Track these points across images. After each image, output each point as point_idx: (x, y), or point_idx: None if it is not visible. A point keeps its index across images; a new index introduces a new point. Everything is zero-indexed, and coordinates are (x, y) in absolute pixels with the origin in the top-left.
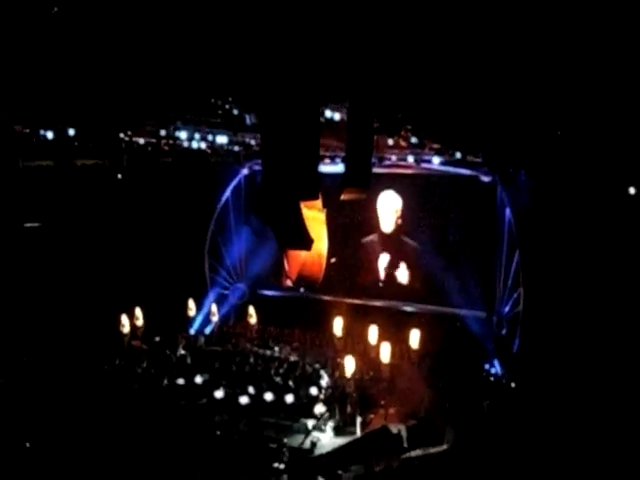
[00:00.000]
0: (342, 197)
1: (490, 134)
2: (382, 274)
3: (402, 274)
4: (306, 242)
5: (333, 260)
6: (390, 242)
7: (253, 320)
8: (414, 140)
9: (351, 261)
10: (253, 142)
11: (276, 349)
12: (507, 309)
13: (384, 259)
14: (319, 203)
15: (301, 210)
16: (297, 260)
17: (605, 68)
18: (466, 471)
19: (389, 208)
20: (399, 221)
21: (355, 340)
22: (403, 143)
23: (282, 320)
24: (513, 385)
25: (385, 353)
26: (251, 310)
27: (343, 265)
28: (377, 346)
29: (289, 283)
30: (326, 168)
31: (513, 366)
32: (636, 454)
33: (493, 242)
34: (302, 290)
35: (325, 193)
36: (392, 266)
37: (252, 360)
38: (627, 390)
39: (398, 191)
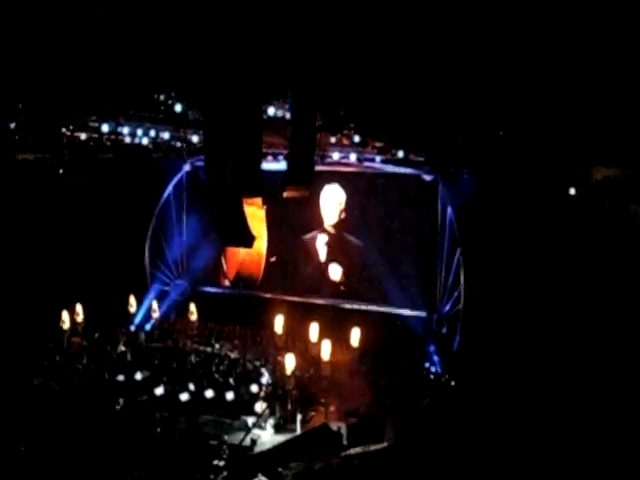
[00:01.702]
0: (285, 194)
1: (432, 133)
2: (323, 272)
3: (344, 272)
4: (248, 239)
5: (273, 259)
6: (332, 239)
7: (194, 317)
8: (357, 138)
9: (292, 258)
10: (196, 138)
11: (217, 346)
12: (447, 308)
13: (326, 256)
14: (259, 200)
15: (243, 207)
16: (235, 259)
17: (545, 69)
18: (406, 469)
19: (332, 200)
20: (342, 215)
21: (296, 338)
22: (346, 141)
23: (223, 317)
24: (453, 383)
25: (326, 351)
26: (192, 307)
27: (284, 262)
28: (318, 344)
29: (227, 283)
30: (268, 165)
31: (453, 364)
32: (568, 449)
33: (434, 241)
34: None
35: (267, 190)
36: (334, 264)
37: (193, 357)
38: (564, 387)
39: (342, 186)
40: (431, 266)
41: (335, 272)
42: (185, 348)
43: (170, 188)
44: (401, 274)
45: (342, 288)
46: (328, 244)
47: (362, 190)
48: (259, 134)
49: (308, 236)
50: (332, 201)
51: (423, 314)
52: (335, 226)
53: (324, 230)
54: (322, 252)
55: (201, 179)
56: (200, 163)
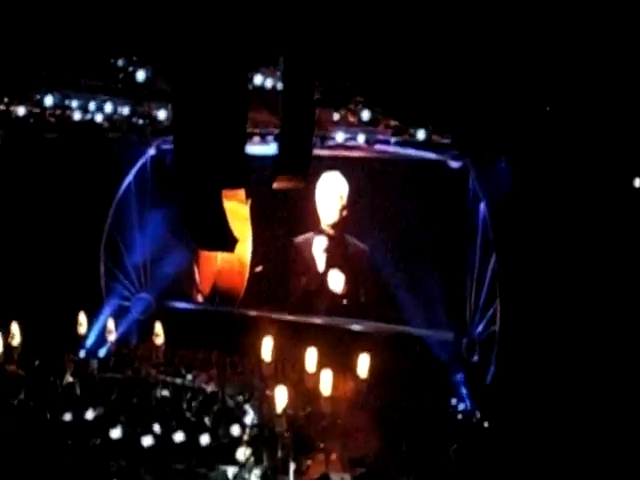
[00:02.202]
0: (274, 185)
1: (461, 108)
2: (321, 283)
3: (346, 284)
4: (228, 242)
5: (259, 268)
6: (332, 242)
7: (160, 340)
8: (366, 115)
9: (283, 267)
10: (163, 114)
11: (189, 377)
12: (480, 329)
13: (324, 264)
14: (242, 193)
15: (223, 202)
16: (211, 267)
17: (607, 33)
18: None
19: (332, 193)
20: (344, 212)
21: (288, 366)
22: (352, 119)
23: (197, 340)
24: (486, 425)
25: (326, 383)
26: (158, 327)
27: (272, 272)
28: (316, 374)
29: (200, 298)
30: (254, 149)
31: (486, 401)
32: None
33: (463, 245)
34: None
35: (252, 180)
36: (334, 273)
37: (158, 391)
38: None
39: (345, 174)
40: (459, 276)
41: (336, 284)
42: (149, 379)
43: (130, 178)
44: (420, 286)
45: (345, 302)
46: (327, 249)
47: (370, 180)
48: (243, 109)
49: (301, 239)
50: (331, 194)
51: (449, 336)
52: (335, 226)
53: (321, 231)
54: (319, 259)
55: (169, 166)
56: (168, 146)
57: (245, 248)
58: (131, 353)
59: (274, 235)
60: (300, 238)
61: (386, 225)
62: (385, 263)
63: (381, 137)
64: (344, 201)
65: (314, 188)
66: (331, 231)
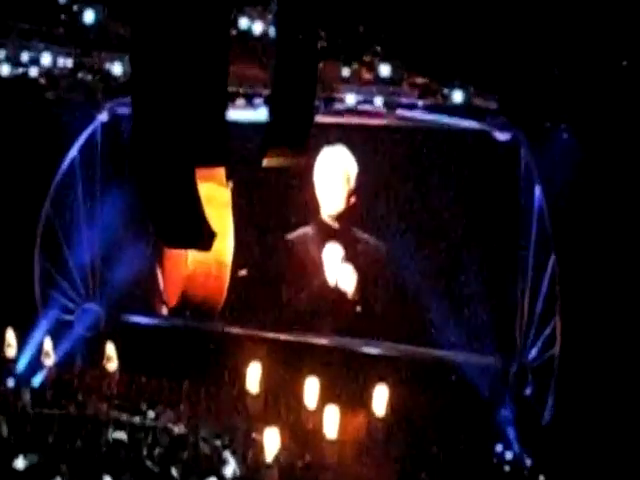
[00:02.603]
0: (264, 163)
1: (511, 61)
2: (324, 292)
3: (357, 293)
4: (203, 237)
5: (243, 272)
6: (336, 239)
7: (113, 365)
8: (385, 70)
9: (273, 271)
10: (118, 69)
11: (150, 414)
12: (534, 353)
13: (327, 267)
14: (222, 172)
15: (196, 184)
16: (179, 271)
17: None
18: None
19: (336, 174)
20: (352, 199)
21: (282, 401)
22: (367, 75)
23: (162, 366)
24: (542, 479)
25: (331, 423)
26: (110, 348)
27: (260, 277)
28: (318, 411)
29: (165, 310)
30: (238, 114)
31: (542, 447)
32: None
33: (512, 243)
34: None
35: (235, 156)
36: (340, 279)
37: (111, 432)
38: None
39: (353, 149)
40: (507, 283)
41: (342, 293)
42: (98, 417)
43: (75, 152)
44: (456, 295)
45: (354, 317)
46: (329, 248)
47: (388, 157)
48: (224, 62)
49: (296, 234)
50: (335, 175)
51: (493, 362)
52: (339, 217)
53: (321, 224)
54: (320, 260)
55: (126, 136)
56: (124, 110)
57: (225, 245)
58: (75, 382)
59: (263, 229)
60: (295, 233)
61: (408, 216)
62: (406, 265)
63: (405, 100)
64: (352, 184)
65: (313, 167)
66: (335, 224)
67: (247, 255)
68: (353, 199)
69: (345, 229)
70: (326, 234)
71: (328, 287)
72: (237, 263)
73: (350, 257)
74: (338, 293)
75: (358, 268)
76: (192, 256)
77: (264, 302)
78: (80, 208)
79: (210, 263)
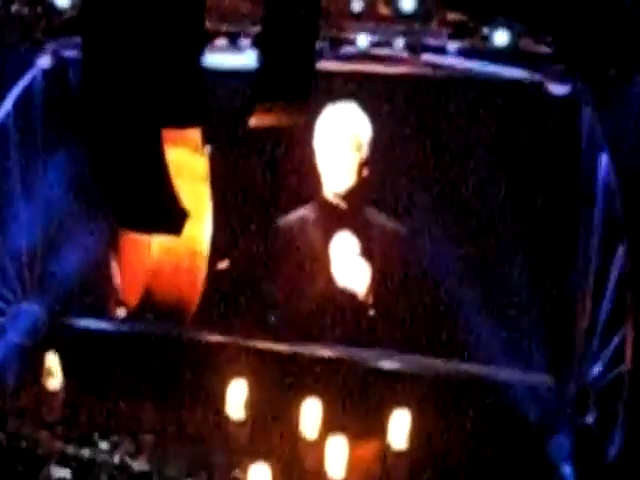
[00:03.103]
0: (252, 121)
1: None
2: (327, 290)
3: (371, 291)
4: (172, 218)
5: (223, 265)
6: (344, 222)
7: (55, 382)
8: (408, 4)
9: (263, 263)
10: (63, 1)
11: (104, 446)
12: (598, 370)
13: (331, 259)
14: (196, 134)
15: (164, 149)
16: (140, 263)
17: None
18: None
19: (344, 140)
20: (364, 172)
21: (273, 429)
22: (384, 10)
23: (118, 384)
24: None
25: (336, 458)
26: (52, 361)
27: (245, 271)
28: (319, 443)
29: (123, 312)
30: (219, 59)
31: None
32: None
33: (570, 227)
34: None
35: (214, 114)
36: (348, 274)
37: (53, 468)
38: None
39: (366, 107)
40: (562, 280)
41: (351, 291)
42: (36, 450)
43: (8, 107)
44: (496, 294)
45: (370, 325)
46: (334, 233)
47: (410, 116)
48: None
49: (291, 218)
50: (342, 140)
51: (545, 382)
52: (348, 195)
53: (324, 204)
54: (324, 251)
55: (74, 87)
56: (72, 53)
57: (200, 230)
58: (6, 404)
59: (249, 209)
60: (290, 217)
61: (435, 193)
62: (433, 256)
63: (433, 42)
64: (364, 152)
65: (313, 130)
66: (342, 203)
67: (229, 242)
68: (365, 172)
69: (355, 210)
70: (330, 218)
71: (334, 287)
72: (216, 253)
73: (362, 246)
74: (347, 294)
75: (372, 260)
76: (157, 243)
77: (250, 302)
78: (14, 180)
79: (181, 253)
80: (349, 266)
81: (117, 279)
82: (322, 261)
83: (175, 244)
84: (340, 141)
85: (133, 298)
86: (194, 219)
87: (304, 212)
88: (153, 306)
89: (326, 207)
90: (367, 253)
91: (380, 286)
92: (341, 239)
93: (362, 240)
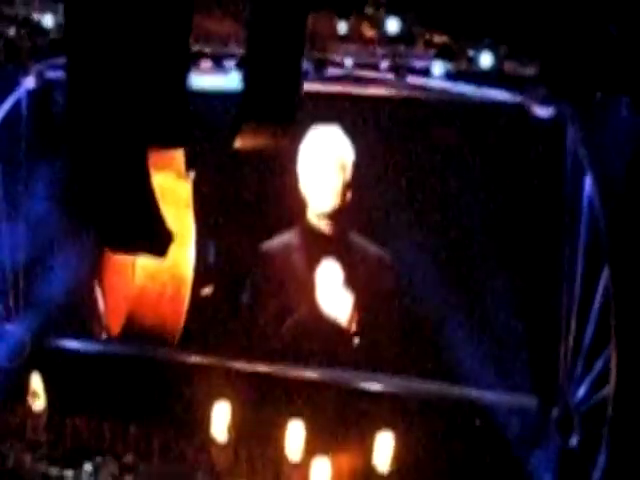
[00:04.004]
0: (236, 143)
1: (554, 17)
2: (312, 316)
3: (356, 316)
4: (159, 238)
5: (207, 290)
6: (328, 247)
7: (39, 403)
8: (393, 25)
9: (247, 290)
10: (49, 20)
11: (88, 468)
12: (582, 392)
13: (316, 284)
14: (180, 158)
15: (149, 171)
16: (124, 288)
17: None
18: None
19: (328, 161)
20: (348, 195)
21: (257, 452)
22: (369, 32)
23: (102, 405)
24: None
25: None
26: (35, 382)
27: (230, 299)
28: (303, 466)
29: (103, 334)
30: (204, 81)
31: None
32: None
33: (554, 250)
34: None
35: (198, 136)
36: (333, 299)
37: None
38: None
39: (350, 129)
40: (547, 303)
41: (336, 316)
42: (20, 471)
43: None
44: (481, 318)
45: (356, 347)
46: (319, 258)
47: (395, 139)
48: (187, 13)
49: (275, 244)
50: (327, 163)
51: (529, 404)
52: (332, 217)
53: (308, 228)
54: (307, 275)
55: (59, 108)
56: (57, 74)
57: (184, 256)
58: None
59: (234, 234)
60: (273, 242)
61: (423, 216)
62: (418, 279)
63: (418, 64)
64: (347, 175)
65: (297, 154)
66: (326, 227)
67: (212, 269)
68: (349, 194)
69: (339, 235)
70: (315, 243)
71: (319, 314)
72: (199, 279)
73: (347, 270)
74: (332, 322)
75: (357, 285)
76: (141, 269)
77: (234, 326)
78: None
79: (164, 279)
80: (334, 296)
81: (100, 305)
82: (306, 286)
83: (159, 270)
84: (324, 163)
85: (116, 324)
86: (178, 244)
87: (288, 237)
88: (136, 332)
89: (310, 232)
90: (351, 278)
91: (365, 310)
92: (326, 268)
93: (346, 266)
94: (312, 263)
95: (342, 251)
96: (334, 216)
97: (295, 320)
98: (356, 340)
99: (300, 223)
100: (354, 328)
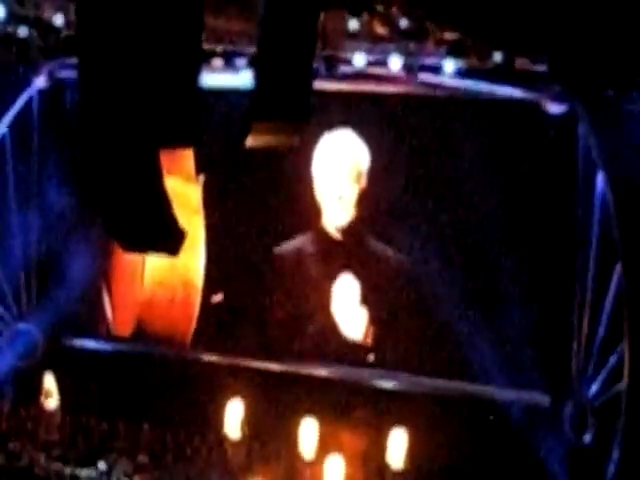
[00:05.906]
0: (248, 142)
1: (566, 13)
2: (326, 321)
3: (373, 320)
4: (171, 236)
5: (218, 298)
6: (343, 252)
7: (53, 402)
8: (404, 24)
9: (259, 296)
10: (59, 20)
11: (102, 466)
12: (595, 388)
13: (332, 288)
14: (190, 160)
15: (161, 171)
16: (132, 294)
17: None
18: None
19: (342, 169)
20: (364, 203)
21: (270, 449)
22: (381, 29)
23: (116, 404)
24: None
25: (334, 477)
26: (49, 381)
27: (241, 306)
28: (317, 464)
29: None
30: (215, 79)
31: None
32: None
33: (566, 247)
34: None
35: (209, 137)
36: (349, 305)
37: None
38: None
39: (364, 133)
40: (559, 300)
41: (352, 322)
42: (34, 470)
43: (4, 127)
44: (494, 315)
45: (370, 347)
46: (335, 263)
47: (412, 137)
48: (198, 12)
49: (286, 247)
50: (341, 170)
51: (542, 400)
52: (349, 228)
53: (322, 233)
54: (322, 281)
55: (70, 108)
56: (68, 73)
57: (194, 262)
58: (3, 425)
59: (245, 239)
60: (286, 246)
61: (439, 219)
62: (436, 282)
63: (430, 61)
64: (363, 182)
65: (310, 157)
66: (342, 236)
67: (223, 274)
68: (365, 203)
69: (356, 243)
70: (330, 251)
71: (333, 322)
72: (210, 284)
73: (363, 274)
74: (347, 338)
75: (375, 297)
76: (150, 275)
77: (246, 328)
78: (11, 200)
79: (174, 285)
80: (350, 313)
81: (108, 311)
82: (321, 295)
83: (168, 275)
84: (339, 172)
85: (125, 330)
86: (188, 249)
87: (302, 241)
88: (146, 338)
89: (325, 239)
90: (369, 285)
91: (383, 319)
92: (344, 283)
93: (365, 276)
94: (327, 271)
95: (360, 261)
96: (350, 227)
97: (305, 326)
98: (371, 357)
99: (315, 228)
100: (370, 343)
